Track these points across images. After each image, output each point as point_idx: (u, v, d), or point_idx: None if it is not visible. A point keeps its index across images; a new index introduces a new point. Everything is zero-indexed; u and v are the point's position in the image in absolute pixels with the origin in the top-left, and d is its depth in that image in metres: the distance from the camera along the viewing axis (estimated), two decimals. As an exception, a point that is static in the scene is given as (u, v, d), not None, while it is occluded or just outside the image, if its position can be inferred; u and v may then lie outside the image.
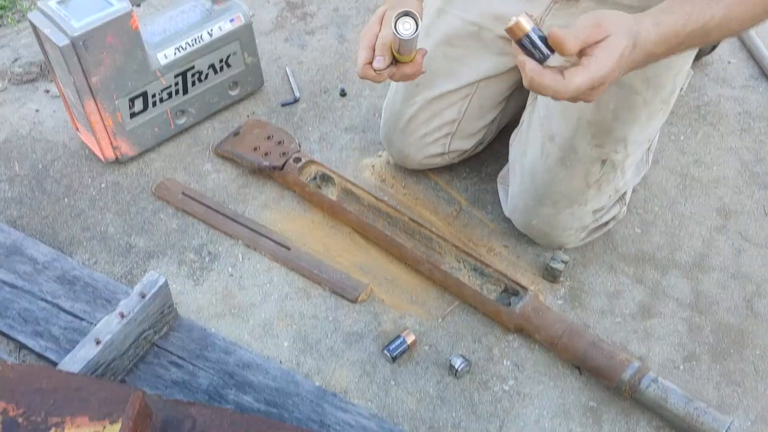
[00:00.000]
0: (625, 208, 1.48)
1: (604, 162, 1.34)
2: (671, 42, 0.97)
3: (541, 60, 0.95)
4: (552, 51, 0.95)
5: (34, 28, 1.49)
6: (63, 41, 1.43)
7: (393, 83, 1.56)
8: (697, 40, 1.00)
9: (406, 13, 1.08)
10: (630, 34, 0.93)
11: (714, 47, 1.84)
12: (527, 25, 0.94)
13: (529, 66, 0.94)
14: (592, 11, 0.96)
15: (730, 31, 1.01)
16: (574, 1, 1.33)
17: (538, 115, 1.39)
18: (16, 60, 1.94)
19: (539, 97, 1.40)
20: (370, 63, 1.15)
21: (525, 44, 0.95)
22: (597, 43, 0.93)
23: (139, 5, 1.54)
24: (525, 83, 0.96)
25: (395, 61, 1.17)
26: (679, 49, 1.00)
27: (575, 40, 0.92)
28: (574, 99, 0.96)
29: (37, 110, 1.80)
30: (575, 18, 1.29)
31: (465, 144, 1.57)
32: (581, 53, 0.94)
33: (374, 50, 1.14)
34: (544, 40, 0.94)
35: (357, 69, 1.17)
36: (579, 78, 0.92)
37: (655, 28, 0.95)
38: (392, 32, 1.08)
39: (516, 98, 1.56)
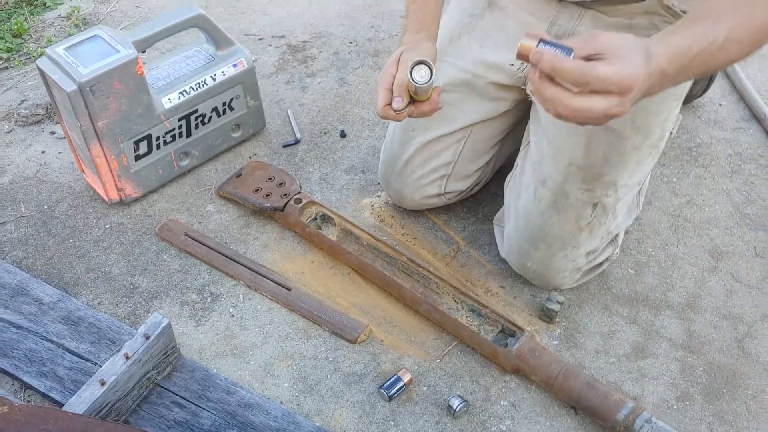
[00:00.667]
0: (617, 249, 1.52)
1: (595, 206, 1.38)
2: (682, 61, 0.96)
3: None
4: (570, 51, 0.91)
5: (42, 73, 1.54)
6: (71, 87, 1.48)
7: (390, 126, 1.61)
8: (704, 65, 0.99)
9: (421, 62, 1.14)
10: (638, 44, 0.92)
11: (705, 89, 1.88)
12: (532, 42, 0.93)
13: (548, 54, 0.90)
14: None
15: (732, 56, 1.01)
16: None
17: (530, 160, 1.43)
18: (22, 102, 1.99)
19: (531, 141, 1.44)
20: (389, 104, 1.20)
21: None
22: (601, 54, 0.91)
23: (144, 51, 1.59)
24: (546, 69, 0.91)
25: (412, 99, 1.22)
26: (689, 72, 0.99)
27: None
28: (600, 112, 0.92)
29: (42, 151, 1.85)
30: None
31: (460, 185, 1.61)
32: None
33: (392, 91, 1.20)
34: (557, 45, 0.92)
35: (377, 110, 1.22)
36: (602, 69, 0.89)
37: (664, 46, 0.95)
38: (408, 80, 1.14)
39: (510, 142, 1.60)
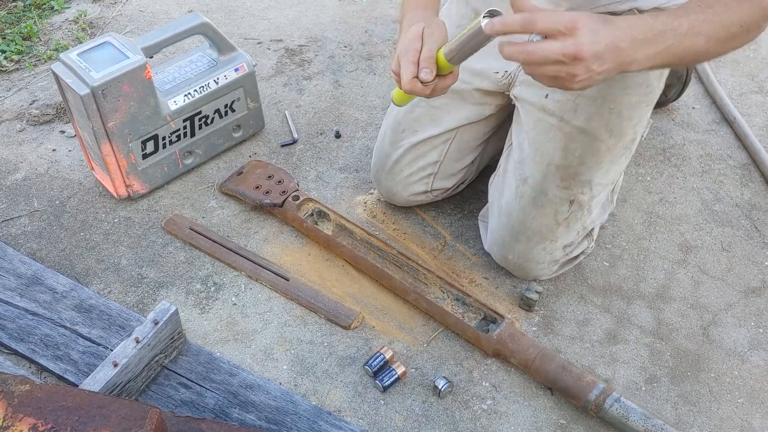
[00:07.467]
0: (593, 243, 1.61)
1: (571, 202, 1.48)
2: (644, 31, 1.02)
3: None
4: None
5: (57, 77, 1.62)
6: (84, 90, 1.57)
7: (382, 128, 1.70)
8: (670, 47, 1.05)
9: (496, 12, 1.08)
10: (595, 17, 1.01)
11: (680, 94, 1.98)
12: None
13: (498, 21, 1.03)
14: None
15: (697, 47, 1.07)
16: None
17: (513, 160, 1.53)
18: (33, 102, 2.07)
19: (514, 143, 1.54)
20: (416, 77, 1.18)
21: None
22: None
23: (152, 57, 1.68)
24: (503, 54, 1.03)
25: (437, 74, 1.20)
26: (656, 47, 1.04)
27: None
28: (550, 74, 1.03)
29: (53, 150, 1.94)
30: None
31: (446, 183, 1.70)
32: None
33: (418, 65, 1.18)
34: None
35: (404, 84, 1.19)
36: (549, 46, 1.00)
37: (628, 16, 1.04)
38: (480, 28, 1.07)
39: (493, 143, 1.70)
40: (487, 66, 1.53)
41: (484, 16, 1.07)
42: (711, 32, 1.07)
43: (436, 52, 1.18)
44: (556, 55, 1.00)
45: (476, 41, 1.12)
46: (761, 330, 1.53)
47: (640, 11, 1.40)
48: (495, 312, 1.50)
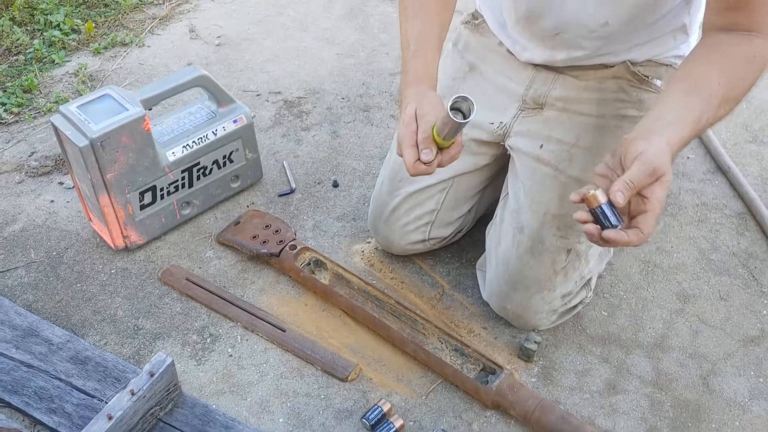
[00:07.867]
0: (591, 293, 1.61)
1: (569, 251, 1.49)
2: (683, 145, 1.15)
3: (607, 227, 1.09)
4: (620, 221, 1.08)
5: (56, 129, 1.64)
6: (83, 142, 1.58)
7: (380, 177, 1.71)
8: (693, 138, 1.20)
9: (464, 98, 1.12)
10: (670, 161, 1.09)
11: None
12: (602, 198, 1.09)
13: (610, 234, 1.08)
14: (639, 153, 1.08)
15: (710, 126, 1.21)
16: (539, 110, 1.50)
17: (509, 209, 1.54)
18: (32, 154, 2.09)
19: (510, 192, 1.55)
20: (418, 159, 1.19)
21: (596, 212, 1.10)
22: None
23: (150, 109, 1.70)
24: (601, 244, 1.11)
25: (439, 148, 1.21)
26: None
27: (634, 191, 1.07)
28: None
29: (51, 201, 1.94)
30: (538, 123, 1.47)
31: (443, 232, 1.70)
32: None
33: (418, 146, 1.19)
34: (613, 210, 1.09)
35: (408, 169, 1.20)
36: (652, 222, 1.08)
37: (678, 145, 1.13)
38: (450, 118, 1.11)
39: (490, 192, 1.71)
40: (482, 118, 1.55)
41: (451, 108, 1.11)
42: (726, 111, 1.19)
43: (431, 131, 1.19)
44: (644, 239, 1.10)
45: (451, 127, 1.15)
46: (761, 379, 1.52)
47: (633, 63, 1.43)
48: (494, 363, 1.49)
